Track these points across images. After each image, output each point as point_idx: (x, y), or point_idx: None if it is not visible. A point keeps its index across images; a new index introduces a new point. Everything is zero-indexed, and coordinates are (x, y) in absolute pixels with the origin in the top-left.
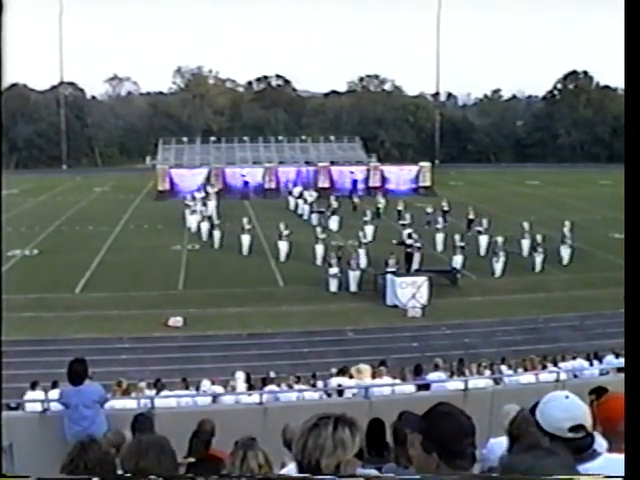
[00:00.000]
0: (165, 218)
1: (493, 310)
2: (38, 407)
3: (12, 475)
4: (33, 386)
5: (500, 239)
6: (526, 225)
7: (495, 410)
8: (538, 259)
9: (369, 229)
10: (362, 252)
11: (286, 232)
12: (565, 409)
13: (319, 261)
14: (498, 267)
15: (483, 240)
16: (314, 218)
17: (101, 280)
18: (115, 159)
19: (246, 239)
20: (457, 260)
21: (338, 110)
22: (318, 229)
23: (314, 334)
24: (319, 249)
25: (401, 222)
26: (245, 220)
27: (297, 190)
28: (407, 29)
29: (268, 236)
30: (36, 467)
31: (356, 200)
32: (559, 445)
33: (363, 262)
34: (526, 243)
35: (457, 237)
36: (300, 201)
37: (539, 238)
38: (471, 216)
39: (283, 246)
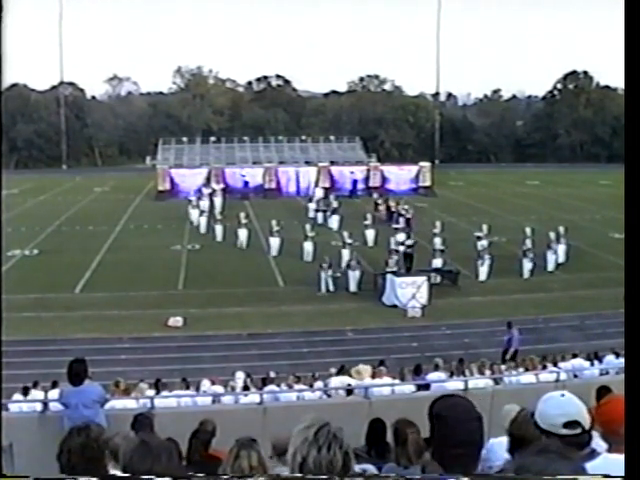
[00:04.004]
0: (165, 218)
1: (493, 310)
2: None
3: (12, 475)
4: None
5: (486, 242)
6: (528, 230)
7: (495, 410)
8: (528, 265)
9: (370, 233)
10: (346, 252)
11: (277, 228)
12: (558, 406)
13: (306, 257)
14: (483, 270)
15: (480, 246)
16: (319, 217)
17: (101, 280)
18: (115, 159)
19: (243, 233)
20: (436, 263)
21: (338, 110)
22: (307, 227)
23: (314, 334)
24: (308, 246)
25: (394, 226)
26: (242, 215)
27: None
28: (407, 29)
29: (268, 236)
30: (36, 467)
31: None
32: (569, 447)
33: (344, 263)
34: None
35: (438, 240)
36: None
37: (528, 243)
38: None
39: (274, 242)
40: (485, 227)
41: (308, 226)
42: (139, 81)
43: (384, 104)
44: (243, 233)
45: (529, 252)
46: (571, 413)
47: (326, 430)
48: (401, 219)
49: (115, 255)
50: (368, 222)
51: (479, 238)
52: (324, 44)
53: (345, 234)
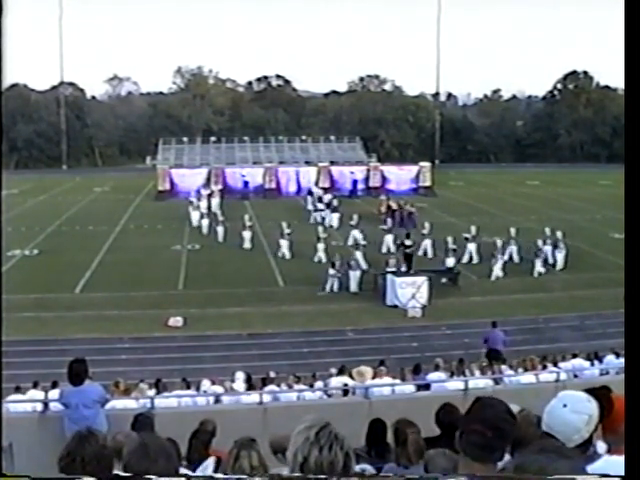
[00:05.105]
0: (165, 218)
1: (493, 310)
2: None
3: (12, 475)
4: None
5: (499, 241)
6: (513, 231)
7: None
8: (539, 266)
9: (355, 233)
10: (359, 254)
11: (288, 230)
12: (550, 414)
13: (318, 259)
14: (497, 269)
15: (471, 247)
16: (317, 216)
17: (101, 280)
18: (115, 159)
19: (248, 235)
20: (449, 263)
21: (338, 110)
22: (320, 228)
23: (314, 334)
24: (320, 248)
25: (381, 227)
26: (246, 217)
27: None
28: (407, 29)
29: (268, 236)
30: (36, 467)
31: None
32: (571, 448)
33: (363, 264)
34: (514, 249)
35: (450, 239)
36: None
37: (539, 243)
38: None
39: (285, 244)
40: (474, 228)
41: (320, 228)
42: (139, 81)
43: (384, 104)
44: (248, 235)
45: (540, 252)
46: (552, 426)
47: (327, 431)
48: (389, 220)
49: (115, 255)
50: (353, 222)
51: (467, 239)
52: (324, 44)
53: (359, 236)
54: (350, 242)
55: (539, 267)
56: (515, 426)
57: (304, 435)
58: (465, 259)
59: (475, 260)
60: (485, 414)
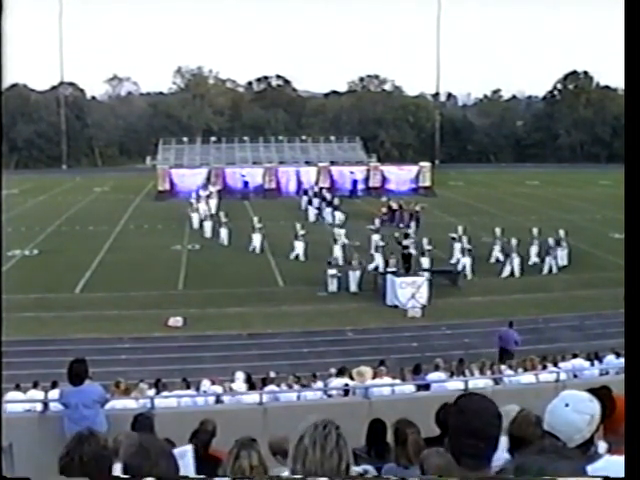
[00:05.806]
0: (165, 218)
1: (493, 310)
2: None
3: (12, 477)
4: None
5: (514, 240)
6: (498, 231)
7: None
8: (552, 263)
9: (342, 232)
10: (378, 256)
11: (302, 232)
12: (552, 413)
13: (336, 261)
14: (507, 269)
15: (457, 247)
16: (318, 215)
17: (101, 280)
18: (115, 159)
19: (257, 238)
20: (464, 262)
21: (338, 110)
22: (336, 230)
23: (314, 334)
24: (337, 250)
25: (369, 227)
26: (256, 219)
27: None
28: (407, 29)
29: (269, 236)
30: (36, 467)
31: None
32: (571, 448)
33: (380, 266)
34: (497, 248)
35: (465, 239)
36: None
37: (551, 242)
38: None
39: (299, 246)
40: (460, 228)
41: (336, 230)
42: (139, 81)
43: (384, 104)
44: (257, 238)
45: (552, 250)
46: (553, 425)
47: (323, 417)
48: (377, 220)
49: (115, 255)
50: (338, 222)
51: (454, 239)
52: (324, 44)
53: (377, 237)
54: (346, 242)
55: (554, 265)
56: (501, 423)
57: (305, 422)
58: (453, 259)
59: (454, 260)
60: (476, 425)
